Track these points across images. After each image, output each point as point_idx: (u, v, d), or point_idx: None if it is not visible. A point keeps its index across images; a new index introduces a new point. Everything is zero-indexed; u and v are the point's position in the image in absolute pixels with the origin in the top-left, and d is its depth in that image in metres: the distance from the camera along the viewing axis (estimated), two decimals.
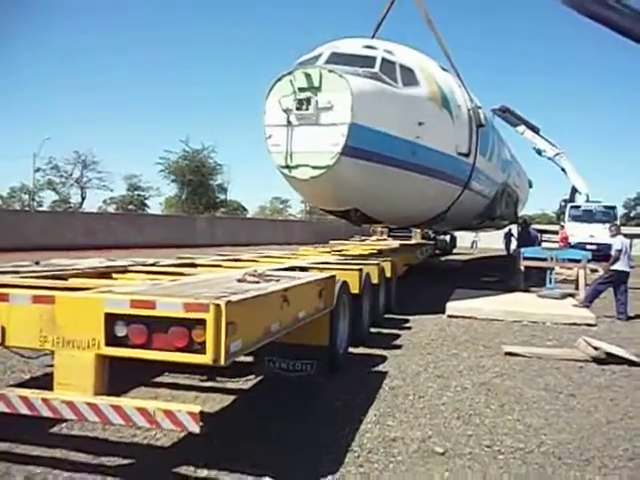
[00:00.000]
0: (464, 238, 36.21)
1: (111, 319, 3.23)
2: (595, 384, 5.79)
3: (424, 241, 21.20)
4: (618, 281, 10.21)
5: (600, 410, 4.95)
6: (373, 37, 13.20)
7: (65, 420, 3.79)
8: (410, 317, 9.37)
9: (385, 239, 20.29)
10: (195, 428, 3.03)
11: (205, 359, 3.08)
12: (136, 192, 59.04)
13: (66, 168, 52.90)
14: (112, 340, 3.23)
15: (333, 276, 5.53)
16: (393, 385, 5.53)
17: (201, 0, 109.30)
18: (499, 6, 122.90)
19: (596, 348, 6.77)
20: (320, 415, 4.62)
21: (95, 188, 54.98)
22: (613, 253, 10.24)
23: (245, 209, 68.28)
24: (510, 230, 26.75)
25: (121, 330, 3.22)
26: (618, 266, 10.11)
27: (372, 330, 7.83)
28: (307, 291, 4.66)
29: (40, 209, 45.16)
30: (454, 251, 29.13)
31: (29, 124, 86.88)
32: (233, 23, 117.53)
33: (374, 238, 20.97)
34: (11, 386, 5.13)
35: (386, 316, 9.04)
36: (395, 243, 17.41)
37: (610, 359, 6.66)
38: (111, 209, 58.23)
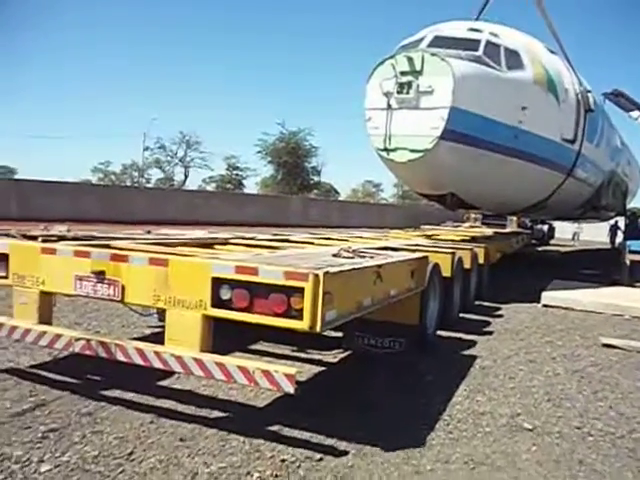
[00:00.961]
0: (565, 229, 34.54)
1: (217, 283, 3.48)
2: None
3: (520, 230, 20.56)
4: None
5: None
6: (477, 19, 12.96)
7: (173, 372, 4.05)
8: (502, 305, 9.30)
9: (479, 226, 19.90)
10: (290, 389, 3.24)
11: (302, 325, 3.27)
12: (234, 172, 61.35)
13: (172, 148, 56.06)
14: (217, 302, 3.49)
15: (426, 257, 5.65)
16: (484, 365, 5.65)
17: None
18: None
19: None
20: (412, 387, 4.85)
21: (197, 167, 58.01)
22: None
23: (337, 192, 68.87)
24: (617, 222, 25.26)
25: (226, 293, 3.47)
26: None
27: (462, 316, 7.85)
28: (399, 270, 4.80)
29: (148, 186, 48.26)
30: (553, 242, 27.97)
31: (141, 104, 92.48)
32: (330, 11, 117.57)
33: (467, 225, 20.61)
34: (130, 339, 5.71)
35: (477, 303, 9.00)
36: (489, 231, 17.06)
37: None
38: (210, 188, 60.94)
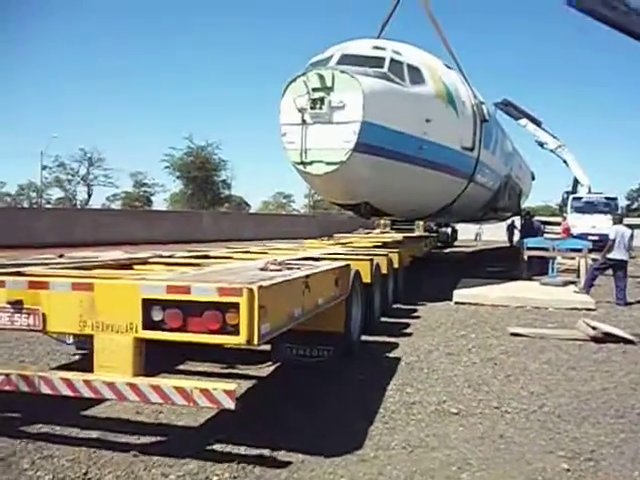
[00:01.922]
0: (468, 230, 36.71)
1: (148, 304, 3.40)
2: (593, 359, 6.34)
3: (427, 234, 21.69)
4: (616, 268, 10.73)
5: (596, 380, 5.51)
6: (379, 37, 13.71)
7: (105, 400, 3.91)
8: (419, 305, 9.88)
9: (389, 232, 20.75)
10: (231, 405, 3.21)
11: (239, 340, 3.25)
12: (142, 188, 59.70)
13: (72, 165, 53.62)
14: (149, 324, 3.40)
15: (348, 265, 5.79)
16: (409, 361, 6.09)
17: (205, 4, 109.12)
18: (499, 5, 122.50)
19: (594, 328, 7.33)
20: (346, 387, 5.17)
21: (101, 185, 55.81)
22: (608, 242, 10.77)
23: (248, 204, 68.81)
24: (513, 222, 27.21)
25: (157, 314, 3.39)
26: (613, 254, 10.63)
27: (383, 320, 8.17)
28: (325, 279, 4.88)
29: (48, 206, 45.79)
30: (459, 243, 29.64)
31: (36, 123, 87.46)
32: (236, 27, 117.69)
33: (378, 231, 21.40)
34: (53, 369, 5.48)
35: (395, 306, 9.42)
36: (398, 236, 17.85)
37: (607, 338, 7.20)
38: (115, 206, 58.85)
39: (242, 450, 3.66)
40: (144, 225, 30.97)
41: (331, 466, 3.46)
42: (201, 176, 51.08)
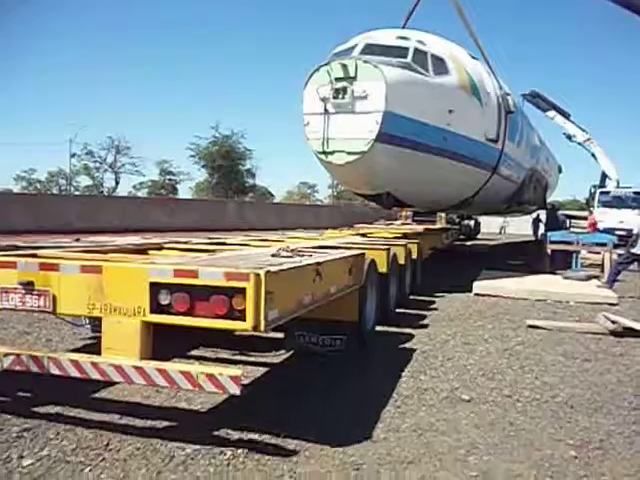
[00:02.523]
0: (493, 223, 36.39)
1: (155, 288, 3.42)
2: (610, 352, 6.32)
3: (448, 226, 21.57)
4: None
5: (612, 372, 5.50)
6: (404, 27, 13.63)
7: (113, 383, 3.91)
8: (438, 296, 9.89)
9: (410, 224, 20.69)
10: (236, 390, 3.21)
11: (245, 325, 3.26)
12: (168, 177, 60.40)
13: (100, 153, 54.50)
14: (156, 308, 3.43)
15: (363, 254, 5.79)
16: (424, 349, 6.14)
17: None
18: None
19: (614, 322, 7.28)
20: (360, 373, 5.25)
21: (128, 173, 56.66)
22: (632, 236, 10.62)
23: (272, 194, 69.08)
24: (538, 215, 26.89)
25: (165, 298, 3.41)
26: (638, 249, 10.48)
27: (399, 310, 8.08)
28: (338, 267, 4.88)
29: (76, 193, 46.70)
30: (482, 236, 29.42)
31: (66, 111, 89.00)
32: (263, 18, 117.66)
33: (399, 222, 21.36)
34: (65, 351, 5.51)
35: (413, 297, 9.34)
36: (420, 227, 17.81)
37: (627, 332, 7.14)
38: (141, 194, 59.65)
39: (255, 432, 3.75)
40: (169, 213, 31.36)
41: (341, 446, 3.55)
42: (226, 165, 51.42)
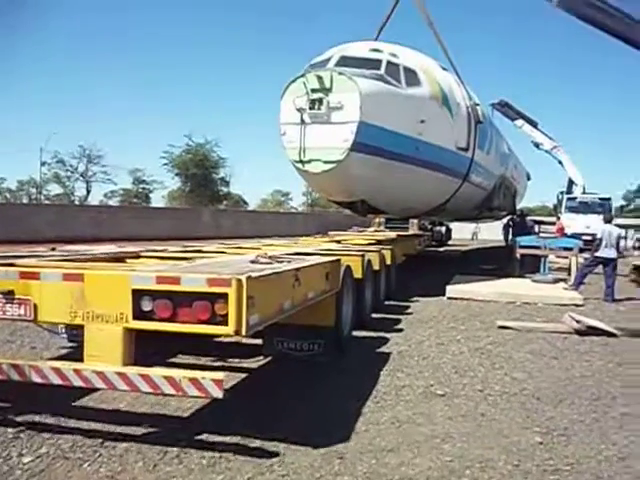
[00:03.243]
0: (465, 229, 37.07)
1: (138, 294, 3.45)
2: (575, 350, 6.69)
3: (421, 232, 21.97)
4: (605, 266, 11.09)
5: (576, 368, 5.86)
6: (377, 39, 14.02)
7: (96, 389, 3.92)
8: (412, 300, 10.22)
9: (383, 230, 21.00)
10: (219, 394, 3.27)
11: (227, 330, 3.32)
12: (140, 185, 59.90)
13: (71, 162, 53.83)
14: (139, 314, 3.46)
15: (338, 259, 5.94)
16: (400, 350, 6.43)
17: (203, 0, 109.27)
18: (497, 7, 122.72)
19: (579, 322, 7.68)
20: (339, 374, 5.47)
21: (100, 182, 55.95)
22: (595, 241, 11.16)
23: (246, 202, 69.00)
24: (509, 221, 27.58)
25: (147, 305, 3.45)
26: (601, 253, 11.00)
27: (375, 316, 8.29)
28: (315, 272, 4.97)
29: (47, 202, 46.06)
30: (454, 242, 29.98)
31: (36, 119, 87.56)
32: (235, 24, 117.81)
33: (372, 229, 21.65)
34: (46, 359, 5.54)
35: (387, 302, 9.58)
36: (392, 234, 18.11)
37: (591, 331, 7.55)
38: (113, 202, 59.03)
39: (239, 429, 3.93)
40: (142, 222, 31.18)
41: (324, 438, 3.79)
42: (200, 173, 51.23)
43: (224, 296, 3.32)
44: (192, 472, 3.30)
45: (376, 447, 3.70)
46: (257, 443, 3.71)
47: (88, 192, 55.31)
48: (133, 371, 3.42)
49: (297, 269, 4.43)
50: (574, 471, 3.44)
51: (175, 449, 3.57)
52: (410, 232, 21.14)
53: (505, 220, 27.87)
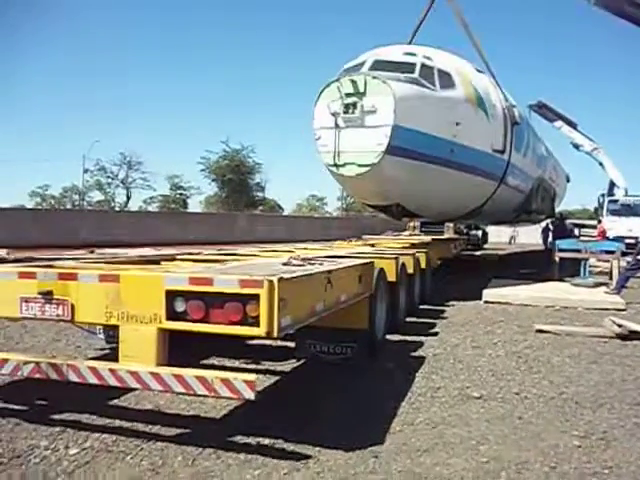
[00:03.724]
0: (502, 233, 36.50)
1: (171, 295, 3.52)
2: (616, 354, 6.54)
3: (456, 236, 21.71)
4: None
5: (617, 372, 5.73)
6: (411, 42, 14.03)
7: (131, 389, 3.96)
8: (447, 304, 10.11)
9: (418, 234, 20.82)
10: (251, 395, 3.30)
11: (259, 331, 3.36)
12: (178, 191, 61.12)
13: (112, 169, 55.42)
14: (172, 315, 3.52)
15: (372, 262, 5.93)
16: (436, 353, 6.40)
17: (241, 4, 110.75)
18: (532, 7, 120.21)
19: (620, 325, 7.50)
20: (374, 375, 5.50)
21: (139, 188, 57.51)
22: (639, 244, 10.85)
23: (281, 207, 69.54)
24: (547, 225, 26.99)
25: (181, 306, 3.51)
26: None
27: (410, 320, 8.28)
28: (348, 275, 4.98)
29: (89, 208, 47.44)
30: (491, 246, 29.53)
31: (80, 127, 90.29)
32: (269, 26, 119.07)
33: (407, 233, 21.50)
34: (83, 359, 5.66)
35: (422, 307, 9.48)
36: (427, 238, 17.95)
37: (633, 335, 7.35)
38: (152, 208, 60.31)
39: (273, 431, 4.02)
40: (180, 227, 31.81)
41: (359, 438, 3.82)
42: (236, 179, 52.08)
43: (256, 297, 3.35)
44: (230, 467, 3.39)
45: (411, 447, 3.71)
46: (292, 443, 3.75)
47: (128, 198, 56.88)
48: (166, 371, 3.49)
49: (329, 271, 4.46)
50: (613, 474, 3.38)
51: (211, 447, 3.65)
52: (445, 236, 20.92)
53: (544, 224, 27.35)
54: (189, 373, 3.46)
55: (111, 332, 5.54)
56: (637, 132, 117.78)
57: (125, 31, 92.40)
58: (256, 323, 3.36)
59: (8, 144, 78.94)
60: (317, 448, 3.66)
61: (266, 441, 3.76)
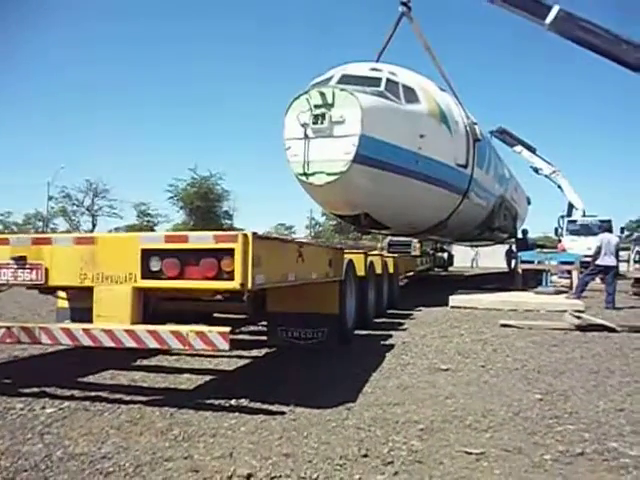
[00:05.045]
0: (465, 257, 37.14)
1: (147, 254, 3.57)
2: (576, 340, 6.84)
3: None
4: (605, 274, 11.27)
5: (576, 352, 6.01)
6: (377, 61, 14.55)
7: (104, 348, 3.80)
8: (415, 309, 10.36)
9: (385, 254, 21.02)
10: (225, 346, 3.35)
11: (233, 284, 3.41)
12: (146, 219, 60.44)
13: (78, 196, 54.61)
14: (147, 274, 3.58)
15: (342, 248, 6.18)
16: (405, 341, 6.59)
17: (201, 34, 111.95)
18: (493, 26, 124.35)
19: (579, 318, 7.83)
20: (346, 355, 5.66)
21: (106, 215, 56.58)
22: (595, 249, 11.36)
23: None
24: (511, 246, 27.74)
25: (156, 265, 3.56)
26: (601, 261, 11.18)
27: (378, 320, 8.42)
28: (319, 255, 5.18)
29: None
30: (455, 269, 30.09)
31: (44, 154, 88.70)
32: (237, 57, 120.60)
33: (375, 252, 21.73)
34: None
35: (390, 311, 9.69)
36: (395, 255, 18.22)
37: (592, 328, 7.68)
38: None
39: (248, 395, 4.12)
40: None
41: (334, 397, 3.94)
42: (204, 206, 51.82)
43: (231, 251, 3.43)
44: (206, 418, 3.47)
45: (382, 402, 3.86)
46: (267, 404, 3.84)
47: (94, 226, 55.78)
48: (141, 328, 3.52)
49: (300, 245, 4.68)
50: (573, 417, 3.59)
51: (187, 407, 3.71)
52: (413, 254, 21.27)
53: (507, 246, 28.07)
54: (164, 329, 3.52)
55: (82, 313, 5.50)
56: (593, 156, 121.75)
57: (92, 50, 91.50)
58: (230, 277, 3.44)
59: None
60: (290, 407, 3.75)
61: (242, 402, 3.85)
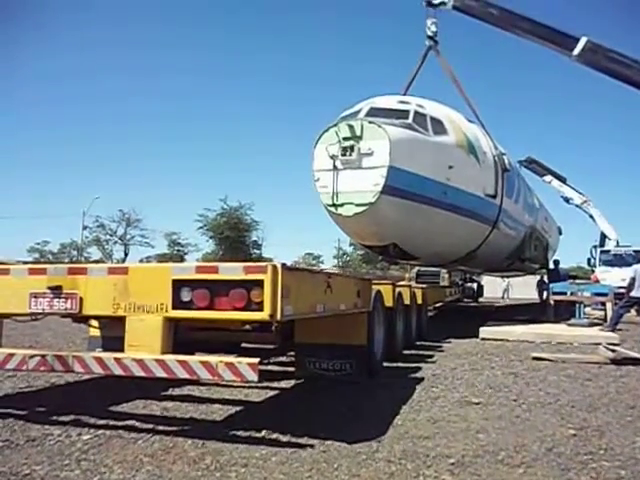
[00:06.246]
0: (496, 288, 36.58)
1: (178, 285, 3.65)
2: (610, 375, 6.68)
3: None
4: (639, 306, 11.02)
5: (611, 387, 5.88)
6: (405, 94, 14.75)
7: (135, 377, 3.86)
8: (444, 340, 10.24)
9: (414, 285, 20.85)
10: (254, 377, 3.39)
11: (263, 315, 3.46)
12: (176, 248, 61.43)
13: (111, 226, 55.98)
14: (178, 304, 3.65)
15: (370, 279, 6.18)
16: (435, 373, 6.54)
17: (233, 70, 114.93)
18: (519, 62, 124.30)
19: (614, 351, 7.65)
20: (376, 389, 5.62)
21: (137, 245, 57.76)
22: (628, 281, 11.12)
23: None
24: (542, 277, 27.26)
25: (186, 295, 3.64)
26: (635, 292, 10.95)
27: (406, 352, 8.30)
28: (347, 285, 5.19)
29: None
30: (485, 300, 29.67)
31: (80, 185, 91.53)
32: (265, 95, 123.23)
33: (403, 283, 21.60)
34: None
35: (419, 343, 9.63)
36: (423, 285, 18.08)
37: (627, 361, 7.49)
38: None
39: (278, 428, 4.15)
40: None
41: (364, 430, 3.95)
42: (233, 236, 52.47)
43: (260, 283, 3.48)
44: (238, 448, 3.51)
45: (412, 435, 3.85)
46: (296, 437, 3.85)
47: (126, 255, 57.00)
48: (171, 358, 3.58)
49: (329, 275, 4.73)
50: (608, 454, 3.52)
51: (221, 433, 3.78)
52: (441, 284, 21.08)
53: (539, 277, 27.59)
54: (193, 359, 3.59)
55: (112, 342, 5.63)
56: (627, 184, 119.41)
57: (126, 84, 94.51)
58: (260, 308, 3.49)
59: (8, 199, 79.85)
60: (321, 440, 3.76)
61: (272, 435, 3.87)
